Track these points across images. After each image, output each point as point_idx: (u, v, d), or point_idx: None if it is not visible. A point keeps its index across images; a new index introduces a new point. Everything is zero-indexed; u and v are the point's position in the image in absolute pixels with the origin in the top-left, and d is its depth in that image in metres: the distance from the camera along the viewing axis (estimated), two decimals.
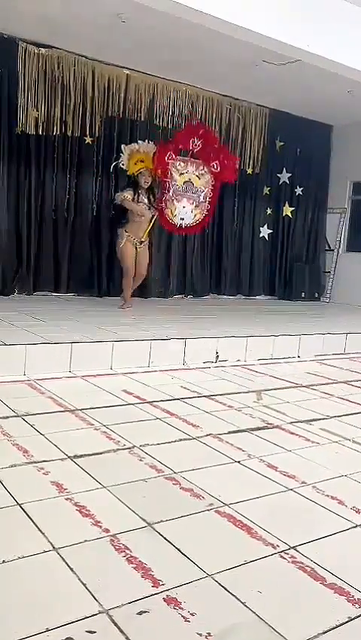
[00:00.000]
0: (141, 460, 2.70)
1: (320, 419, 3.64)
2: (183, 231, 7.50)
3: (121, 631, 1.51)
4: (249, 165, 8.85)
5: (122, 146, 6.93)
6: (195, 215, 7.27)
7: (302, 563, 1.91)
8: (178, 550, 1.93)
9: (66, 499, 2.23)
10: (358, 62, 6.17)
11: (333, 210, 9.89)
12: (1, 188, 6.81)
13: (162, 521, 2.11)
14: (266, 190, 9.25)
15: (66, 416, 3.31)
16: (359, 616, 1.65)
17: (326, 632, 1.58)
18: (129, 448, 2.84)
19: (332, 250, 9.89)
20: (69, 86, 7.07)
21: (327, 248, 9.98)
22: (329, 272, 9.90)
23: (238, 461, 2.79)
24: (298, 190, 9.49)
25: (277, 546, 2.01)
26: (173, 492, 2.38)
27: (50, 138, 7.10)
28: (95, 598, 1.63)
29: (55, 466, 2.55)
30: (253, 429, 3.32)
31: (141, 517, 2.12)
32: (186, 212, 7.17)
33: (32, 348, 4.18)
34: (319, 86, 7.41)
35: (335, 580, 1.82)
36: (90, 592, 1.66)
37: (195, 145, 7.11)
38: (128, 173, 6.80)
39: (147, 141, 6.93)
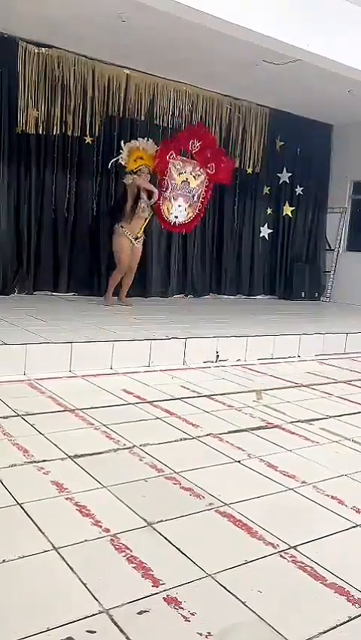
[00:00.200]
0: (141, 460, 2.70)
1: (320, 419, 3.63)
2: (177, 229, 7.56)
3: (121, 631, 1.51)
4: (249, 164, 8.86)
5: (122, 142, 6.95)
6: (187, 214, 7.38)
7: (302, 563, 1.91)
8: (178, 549, 1.93)
9: (66, 499, 2.23)
10: (358, 61, 6.17)
11: (333, 210, 9.89)
12: (1, 188, 6.81)
13: (162, 521, 2.11)
14: (266, 189, 9.25)
15: (66, 415, 3.31)
16: (359, 615, 1.65)
17: (326, 631, 1.58)
18: (129, 448, 2.84)
19: (333, 250, 9.89)
20: (69, 85, 7.07)
21: (327, 247, 9.98)
22: (329, 271, 9.90)
23: (238, 461, 2.79)
24: (299, 190, 9.49)
25: (278, 545, 2.00)
26: (173, 492, 2.38)
27: (50, 137, 7.10)
28: (95, 598, 1.63)
29: (55, 466, 2.55)
30: (253, 429, 3.32)
31: (141, 517, 2.12)
32: (180, 211, 7.27)
33: (32, 348, 4.18)
34: (319, 85, 7.41)
35: (335, 579, 1.82)
36: (90, 592, 1.66)
37: (194, 147, 7.17)
38: (127, 169, 6.82)
39: (147, 138, 6.94)
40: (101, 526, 2.04)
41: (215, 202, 8.69)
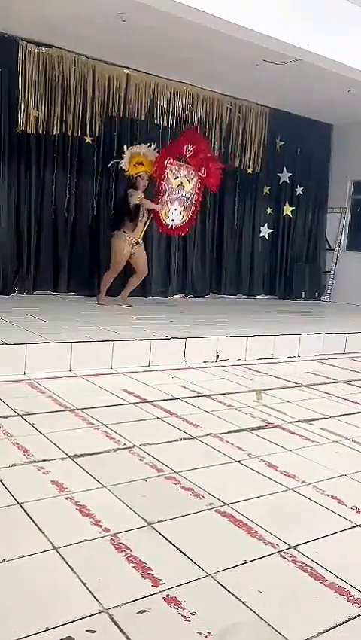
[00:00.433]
0: (141, 459, 2.70)
1: (320, 419, 3.63)
2: (173, 232, 7.63)
3: (121, 630, 1.51)
4: (249, 164, 8.86)
5: (125, 147, 6.97)
6: (182, 217, 7.46)
7: (302, 563, 1.91)
8: (178, 549, 1.93)
9: (66, 498, 2.23)
10: (358, 61, 6.18)
11: (333, 209, 9.89)
12: (1, 188, 6.81)
13: (162, 520, 2.11)
14: (266, 189, 9.25)
15: (66, 415, 3.31)
16: (359, 615, 1.65)
17: (326, 631, 1.58)
18: (129, 447, 2.84)
19: (333, 249, 9.89)
20: (69, 85, 7.07)
21: (327, 247, 9.98)
22: (330, 271, 9.90)
23: (238, 461, 2.79)
24: (299, 190, 9.49)
25: (277, 545, 2.00)
26: (173, 492, 2.38)
27: (50, 137, 7.10)
28: (95, 598, 1.63)
29: (55, 465, 2.55)
30: (253, 429, 3.32)
31: (141, 517, 2.12)
32: (176, 214, 7.35)
33: (32, 348, 4.18)
34: (319, 85, 7.41)
35: (335, 579, 1.82)
36: (90, 592, 1.66)
37: (188, 151, 7.23)
38: (126, 173, 6.84)
39: (149, 144, 6.98)
40: (101, 526, 2.04)
41: (215, 202, 8.70)
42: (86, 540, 1.94)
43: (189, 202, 7.43)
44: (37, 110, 6.91)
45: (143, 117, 7.72)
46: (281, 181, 9.40)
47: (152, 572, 1.78)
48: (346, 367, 5.49)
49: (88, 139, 7.35)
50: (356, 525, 2.21)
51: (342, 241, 9.83)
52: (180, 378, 4.44)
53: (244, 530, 2.09)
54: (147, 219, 6.77)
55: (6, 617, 1.53)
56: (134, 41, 6.50)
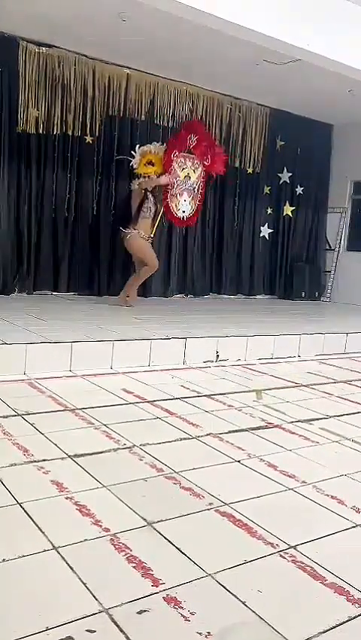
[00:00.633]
0: (141, 459, 2.70)
1: (320, 419, 3.63)
2: (184, 223, 7.71)
3: (121, 630, 1.51)
4: (249, 164, 8.86)
5: (137, 146, 7.06)
6: (191, 207, 7.54)
7: (302, 562, 1.91)
8: (178, 549, 1.93)
9: (66, 498, 2.23)
10: (358, 61, 6.17)
11: (334, 209, 9.89)
12: (2, 187, 6.81)
13: (162, 520, 2.11)
14: (267, 189, 9.25)
15: (66, 415, 3.31)
16: (358, 615, 1.65)
17: (326, 631, 1.57)
18: (129, 447, 2.84)
19: (333, 249, 9.89)
20: (70, 85, 7.07)
21: (327, 247, 9.98)
22: (330, 271, 9.90)
23: (238, 461, 2.79)
24: (299, 190, 9.49)
25: (277, 545, 2.00)
26: (173, 492, 2.38)
27: (51, 137, 7.10)
28: (95, 597, 1.63)
29: (55, 465, 2.55)
30: (253, 428, 3.32)
31: (141, 516, 2.12)
32: (186, 205, 7.43)
33: (32, 348, 4.18)
34: (319, 85, 7.41)
35: (334, 579, 1.82)
36: (90, 592, 1.66)
37: (192, 141, 7.28)
38: (136, 172, 6.90)
39: (160, 142, 7.02)
40: (101, 526, 2.04)
41: (215, 202, 8.70)
42: (86, 540, 1.94)
43: (195, 192, 7.54)
44: (38, 110, 6.91)
45: (143, 117, 7.72)
46: (281, 181, 9.39)
47: (152, 572, 1.78)
48: (346, 367, 5.49)
49: (88, 139, 7.35)
50: (356, 525, 2.21)
51: (342, 241, 9.84)
52: (180, 378, 4.44)
53: (243, 530, 2.09)
54: (158, 213, 6.78)
55: (6, 617, 1.53)
56: (135, 41, 6.49)
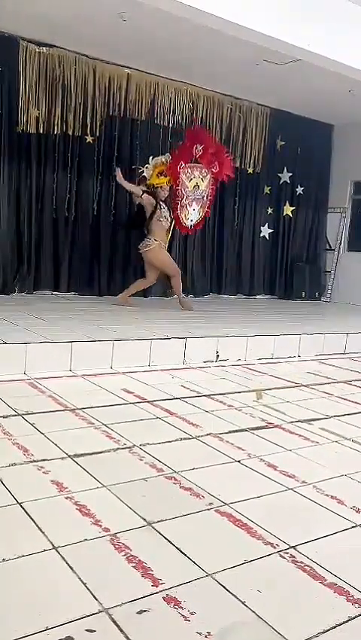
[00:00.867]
0: (141, 459, 2.70)
1: (320, 419, 3.64)
2: (191, 231, 7.76)
3: (121, 630, 1.51)
4: (250, 164, 8.86)
5: (150, 158, 7.15)
6: (199, 214, 7.57)
7: (302, 562, 1.91)
8: (178, 549, 1.93)
9: (66, 498, 2.23)
10: (359, 61, 6.17)
11: (334, 209, 9.89)
12: (2, 187, 6.80)
13: (162, 520, 2.11)
14: (267, 189, 9.24)
15: (66, 414, 3.31)
16: (358, 615, 1.65)
17: (325, 631, 1.58)
18: (129, 447, 2.84)
19: (333, 249, 9.89)
20: (70, 85, 7.07)
21: (328, 247, 9.98)
22: (330, 271, 9.90)
23: (238, 461, 2.79)
24: (299, 190, 9.49)
25: (277, 545, 2.00)
26: (173, 492, 2.38)
27: (51, 137, 7.10)
28: (94, 597, 1.63)
29: (55, 465, 2.55)
30: (253, 428, 3.32)
31: (140, 516, 2.12)
32: (195, 214, 7.48)
33: (33, 347, 4.18)
34: (320, 85, 7.40)
35: (334, 579, 1.82)
36: (90, 591, 1.66)
37: (198, 151, 7.29)
38: (148, 182, 6.95)
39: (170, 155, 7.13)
40: (100, 526, 2.04)
41: (215, 202, 8.68)
42: (86, 540, 1.94)
43: (204, 199, 7.57)
44: (38, 109, 6.91)
45: (143, 117, 7.72)
46: (282, 181, 9.39)
47: (152, 572, 1.78)
48: (346, 367, 5.49)
49: (88, 139, 7.35)
50: (356, 525, 2.21)
51: (342, 241, 9.83)
52: (180, 378, 4.44)
53: (243, 530, 2.10)
54: (169, 221, 6.89)
55: (6, 617, 1.53)
56: (135, 41, 6.50)
